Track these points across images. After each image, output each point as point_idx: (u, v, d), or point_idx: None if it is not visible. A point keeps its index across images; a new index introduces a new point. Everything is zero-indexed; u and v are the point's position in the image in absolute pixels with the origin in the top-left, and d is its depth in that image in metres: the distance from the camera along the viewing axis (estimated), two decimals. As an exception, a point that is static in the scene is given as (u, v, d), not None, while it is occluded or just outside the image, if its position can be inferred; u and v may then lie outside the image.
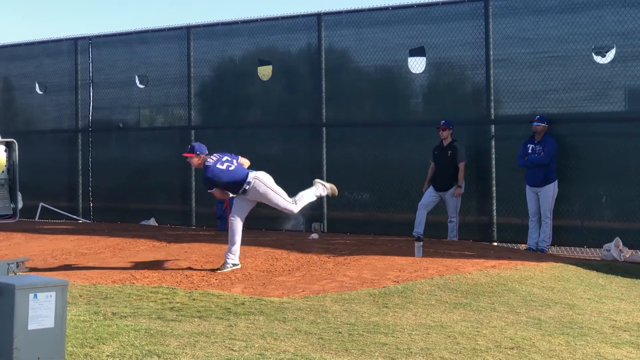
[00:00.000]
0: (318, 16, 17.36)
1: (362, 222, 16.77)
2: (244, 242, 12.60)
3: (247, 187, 12.28)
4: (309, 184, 17.42)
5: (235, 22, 18.48)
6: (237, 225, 12.40)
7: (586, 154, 14.64)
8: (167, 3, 55.45)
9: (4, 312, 6.72)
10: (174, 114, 19.59)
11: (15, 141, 7.05)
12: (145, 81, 19.67)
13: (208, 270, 12.48)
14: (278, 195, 12.42)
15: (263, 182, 12.35)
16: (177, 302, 10.16)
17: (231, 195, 12.71)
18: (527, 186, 14.75)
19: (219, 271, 12.31)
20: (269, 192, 12.37)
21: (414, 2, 16.36)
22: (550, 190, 14.52)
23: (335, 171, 17.03)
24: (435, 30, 16.05)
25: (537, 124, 14.57)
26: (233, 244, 12.38)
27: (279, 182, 17.46)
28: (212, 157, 12.53)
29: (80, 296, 10.60)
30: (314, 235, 15.76)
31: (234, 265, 12.44)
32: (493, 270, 11.91)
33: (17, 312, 6.68)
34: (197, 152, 12.61)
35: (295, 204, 12.52)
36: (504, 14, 15.40)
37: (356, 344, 8.29)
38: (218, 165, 12.38)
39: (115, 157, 20.07)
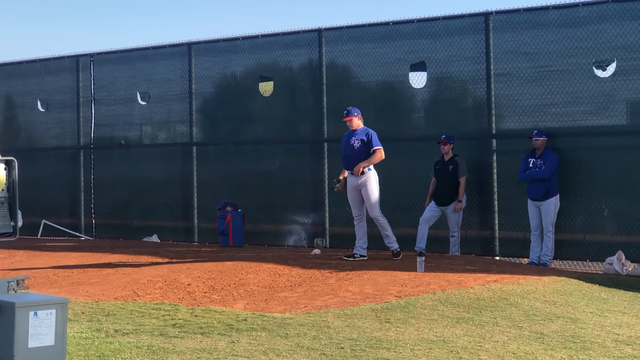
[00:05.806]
0: (319, 32, 17.37)
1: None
2: (245, 258, 12.59)
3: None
4: (311, 200, 17.44)
5: (237, 38, 18.50)
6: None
7: (588, 167, 14.63)
8: (168, 19, 55.59)
9: (4, 330, 6.71)
10: (176, 131, 19.59)
11: (14, 159, 7.05)
12: (147, 98, 19.69)
13: (210, 286, 12.47)
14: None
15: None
16: (180, 319, 10.14)
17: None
18: (528, 200, 14.73)
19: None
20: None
21: (414, 17, 16.39)
22: (552, 204, 14.51)
23: (337, 186, 17.01)
24: (436, 45, 16.07)
25: (536, 138, 14.58)
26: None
27: (282, 198, 17.58)
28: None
29: (83, 313, 10.59)
30: (316, 251, 15.75)
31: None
32: (495, 285, 11.90)
33: (17, 330, 6.67)
34: (355, 114, 13.68)
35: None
36: (504, 28, 15.41)
37: (358, 359, 8.27)
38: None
39: (118, 174, 20.07)
